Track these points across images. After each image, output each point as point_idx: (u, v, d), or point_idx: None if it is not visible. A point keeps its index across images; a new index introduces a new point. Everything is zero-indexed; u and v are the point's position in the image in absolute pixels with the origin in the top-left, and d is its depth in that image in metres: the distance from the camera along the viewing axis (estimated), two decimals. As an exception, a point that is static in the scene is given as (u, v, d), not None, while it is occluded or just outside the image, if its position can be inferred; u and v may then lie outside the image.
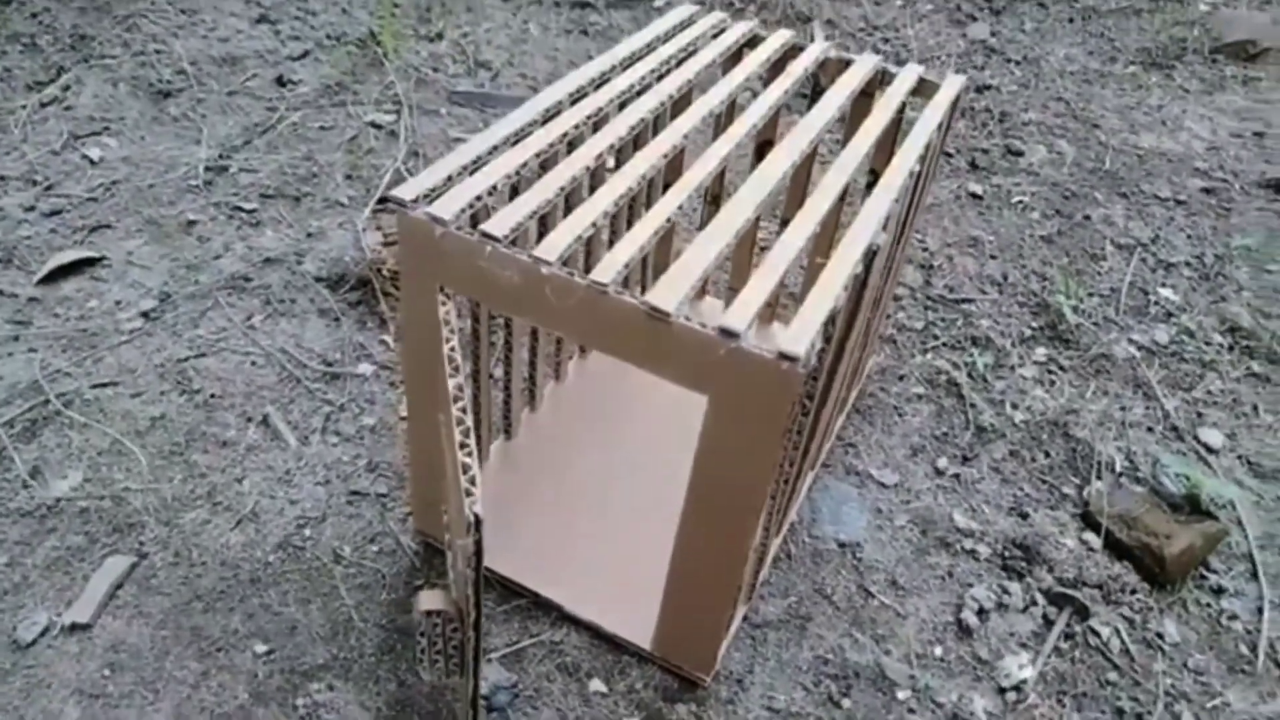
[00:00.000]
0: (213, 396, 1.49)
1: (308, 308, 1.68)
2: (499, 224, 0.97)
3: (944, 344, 1.76)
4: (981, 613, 1.32)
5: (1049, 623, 1.31)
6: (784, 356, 0.86)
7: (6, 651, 1.14)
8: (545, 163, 1.12)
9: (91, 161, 1.94)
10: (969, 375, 1.69)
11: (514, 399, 1.38)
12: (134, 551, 1.26)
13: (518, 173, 1.06)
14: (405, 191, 1.00)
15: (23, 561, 1.23)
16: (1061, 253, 2.01)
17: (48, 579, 1.22)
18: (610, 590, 1.23)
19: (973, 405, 1.63)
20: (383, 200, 1.92)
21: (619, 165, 1.17)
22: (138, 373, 1.51)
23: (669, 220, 1.02)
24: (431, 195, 1.01)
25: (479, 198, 1.01)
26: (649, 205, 1.55)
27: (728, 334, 0.88)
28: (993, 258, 1.99)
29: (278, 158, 2.02)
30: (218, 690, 1.13)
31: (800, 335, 0.88)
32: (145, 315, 1.62)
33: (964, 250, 1.99)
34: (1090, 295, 1.90)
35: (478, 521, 0.80)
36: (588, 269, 1.25)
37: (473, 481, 0.82)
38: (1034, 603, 1.33)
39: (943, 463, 1.52)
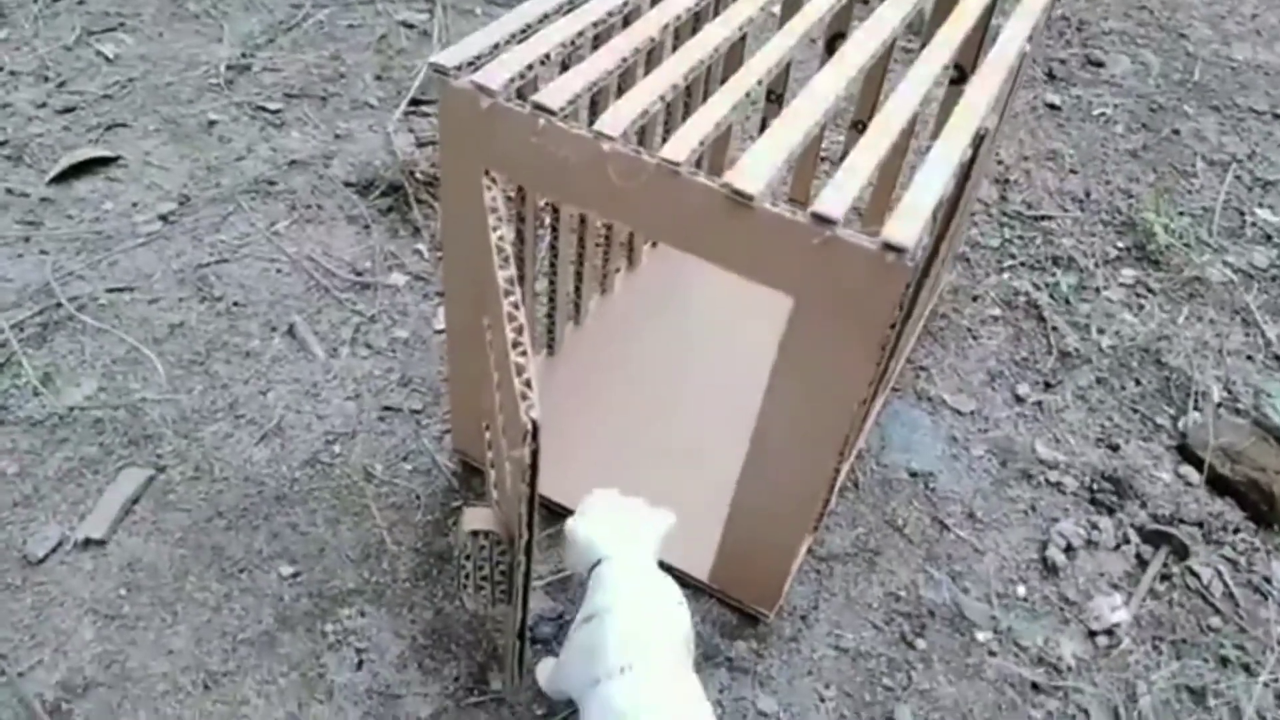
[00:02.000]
0: (235, 304, 1.38)
1: (336, 214, 1.56)
2: (553, 96, 0.85)
3: (1022, 263, 1.61)
4: (1069, 550, 1.20)
5: (1143, 562, 1.20)
6: (889, 247, 0.74)
7: (17, 567, 1.06)
8: (599, 36, 0.98)
9: (106, 58, 1.82)
10: (1050, 296, 1.55)
11: (558, 312, 1.27)
12: (151, 465, 1.17)
13: (572, 43, 0.93)
14: (447, 59, 0.87)
15: (33, 472, 1.15)
16: (1148, 168, 1.85)
17: (59, 491, 1.13)
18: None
19: (1055, 329, 1.49)
20: (415, 101, 1.79)
21: (675, 48, 1.03)
22: (155, 278, 1.41)
23: (736, 106, 0.88)
24: (477, 63, 0.88)
25: (530, 67, 0.88)
26: (705, 96, 1.40)
27: (822, 220, 0.75)
28: (1073, 172, 1.83)
29: (303, 57, 1.88)
30: (241, 614, 1.05)
31: (908, 224, 0.75)
32: (163, 218, 1.51)
33: (1042, 164, 1.83)
34: (1181, 214, 1.74)
35: (534, 429, 0.69)
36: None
37: (528, 384, 0.71)
38: (1126, 540, 1.22)
39: (1023, 389, 1.40)
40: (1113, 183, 1.80)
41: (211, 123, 1.71)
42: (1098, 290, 1.57)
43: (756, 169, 0.79)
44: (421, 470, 1.21)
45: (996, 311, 1.52)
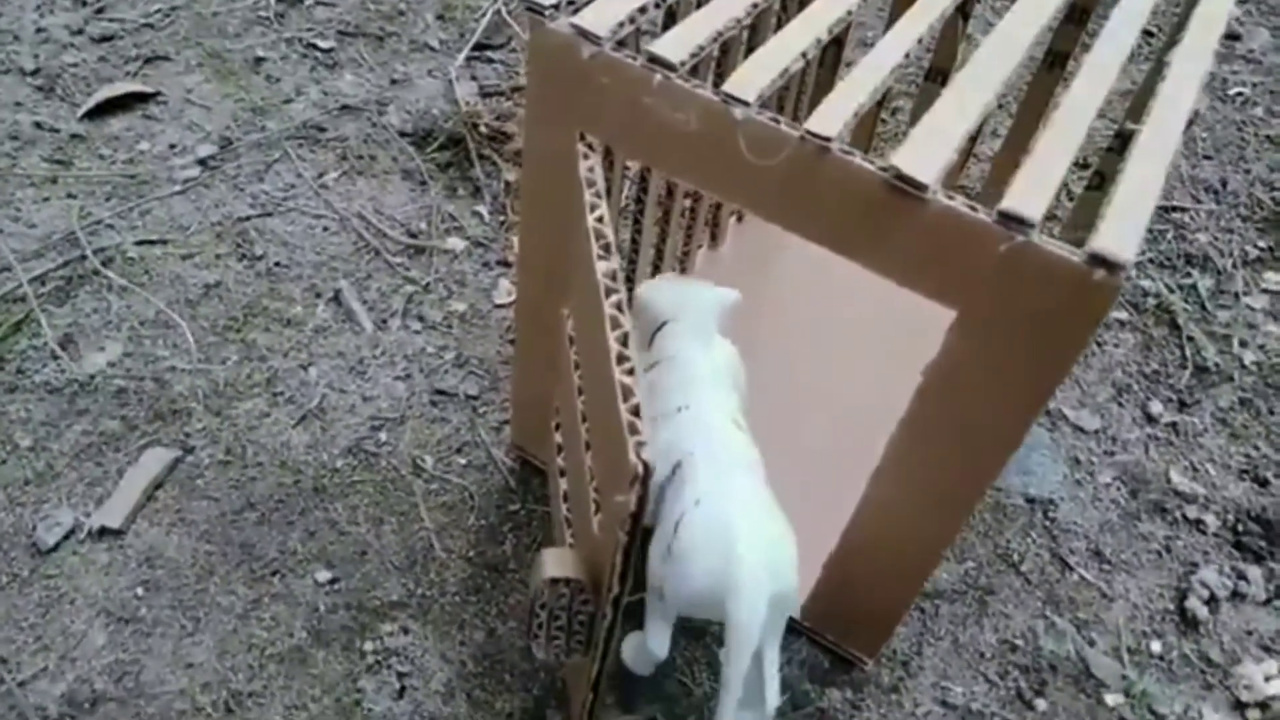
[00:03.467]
0: (277, 265, 1.25)
1: (389, 167, 1.42)
2: (673, 48, 0.69)
3: (1151, 260, 1.43)
4: (1211, 601, 1.04)
5: (1300, 622, 1.04)
6: (1099, 261, 0.58)
7: (25, 555, 0.95)
8: None
9: (149, -17, 1.68)
10: (1184, 301, 1.37)
11: (639, 263, 1.12)
12: (177, 444, 1.05)
13: None
14: None
15: (48, 446, 1.03)
16: (1292, 158, 1.65)
17: (76, 470, 1.01)
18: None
19: (1190, 339, 1.32)
20: (480, 46, 1.63)
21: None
22: (191, 230, 1.28)
23: (895, 70, 0.72)
24: (574, 5, 0.73)
25: (642, 10, 0.72)
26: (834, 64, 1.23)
27: (1014, 222, 0.59)
28: (1207, 159, 1.63)
29: (360, -9, 1.73)
30: (270, 624, 0.93)
31: (1123, 232, 0.59)
32: (202, 163, 1.37)
33: (1172, 148, 1.63)
34: (1332, 212, 1.54)
35: (646, 472, 0.54)
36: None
37: (636, 413, 0.57)
38: (1279, 594, 1.06)
39: (1155, 407, 1.23)
40: (1252, 172, 1.61)
41: (259, 60, 1.56)
42: (1237, 296, 1.39)
43: (925, 152, 0.63)
44: (476, 465, 1.07)
45: (1123, 315, 1.34)
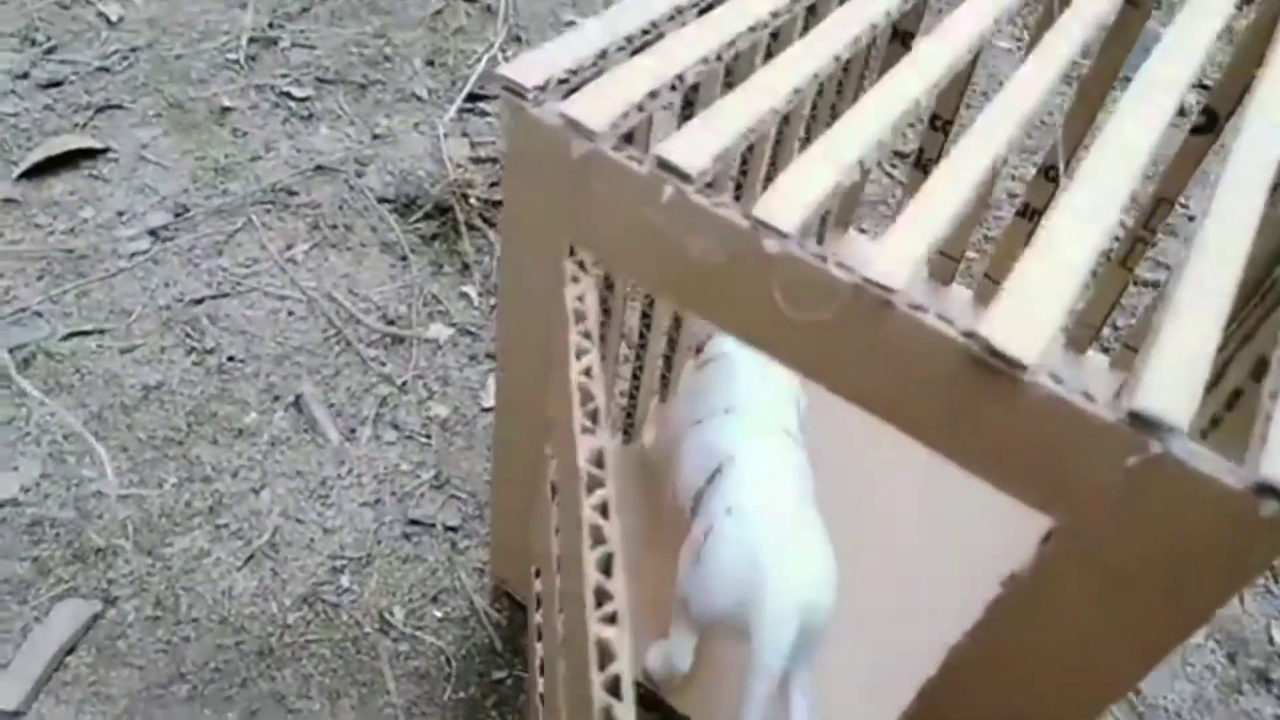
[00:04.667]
0: (230, 360, 1.08)
1: (367, 238, 1.25)
2: (688, 152, 0.52)
3: (1227, 357, 1.27)
4: (1329, 800, 0.88)
5: None
6: (1268, 491, 0.42)
7: (-103, 746, 0.78)
8: (733, 63, 0.65)
9: (108, 21, 1.51)
10: (1269, 408, 1.20)
11: (641, 389, 0.95)
12: (98, 593, 0.88)
13: (706, 62, 0.60)
14: (522, 73, 0.55)
15: (-61, 599, 0.86)
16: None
17: (-29, 629, 0.84)
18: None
19: None
20: (473, 97, 1.47)
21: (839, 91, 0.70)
22: (133, 317, 1.11)
23: (979, 188, 0.55)
24: (565, 86, 0.56)
25: (653, 96, 0.56)
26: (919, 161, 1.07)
27: (1146, 425, 0.43)
28: None
29: (342, 32, 1.57)
30: (196, 838, 0.76)
31: None
32: (153, 234, 1.21)
33: None
34: None
35: None
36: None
37: (615, 690, 0.40)
38: None
39: (1245, 542, 1.06)
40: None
41: (225, 109, 1.40)
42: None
43: (1026, 317, 0.46)
44: (455, 619, 0.90)
45: (1200, 424, 1.18)
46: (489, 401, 1.09)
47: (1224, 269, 0.50)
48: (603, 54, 0.58)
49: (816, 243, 0.57)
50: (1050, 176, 1.05)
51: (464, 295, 1.20)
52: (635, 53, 0.59)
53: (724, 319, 0.54)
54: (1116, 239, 1.07)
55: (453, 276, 1.22)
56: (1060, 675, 0.51)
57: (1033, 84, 0.61)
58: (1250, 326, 0.85)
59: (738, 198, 0.85)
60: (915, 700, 0.58)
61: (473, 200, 1.27)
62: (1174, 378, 0.44)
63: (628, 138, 0.55)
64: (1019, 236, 1.10)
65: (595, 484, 0.48)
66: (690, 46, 0.59)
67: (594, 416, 0.51)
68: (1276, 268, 0.84)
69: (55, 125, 1.33)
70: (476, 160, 1.35)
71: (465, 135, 1.41)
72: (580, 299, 0.56)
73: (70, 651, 0.84)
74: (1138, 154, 0.56)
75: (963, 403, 0.46)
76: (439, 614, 0.91)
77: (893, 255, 0.47)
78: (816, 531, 0.74)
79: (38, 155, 1.26)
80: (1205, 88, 1.21)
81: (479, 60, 1.54)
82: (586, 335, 0.54)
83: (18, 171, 1.24)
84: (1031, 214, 1.08)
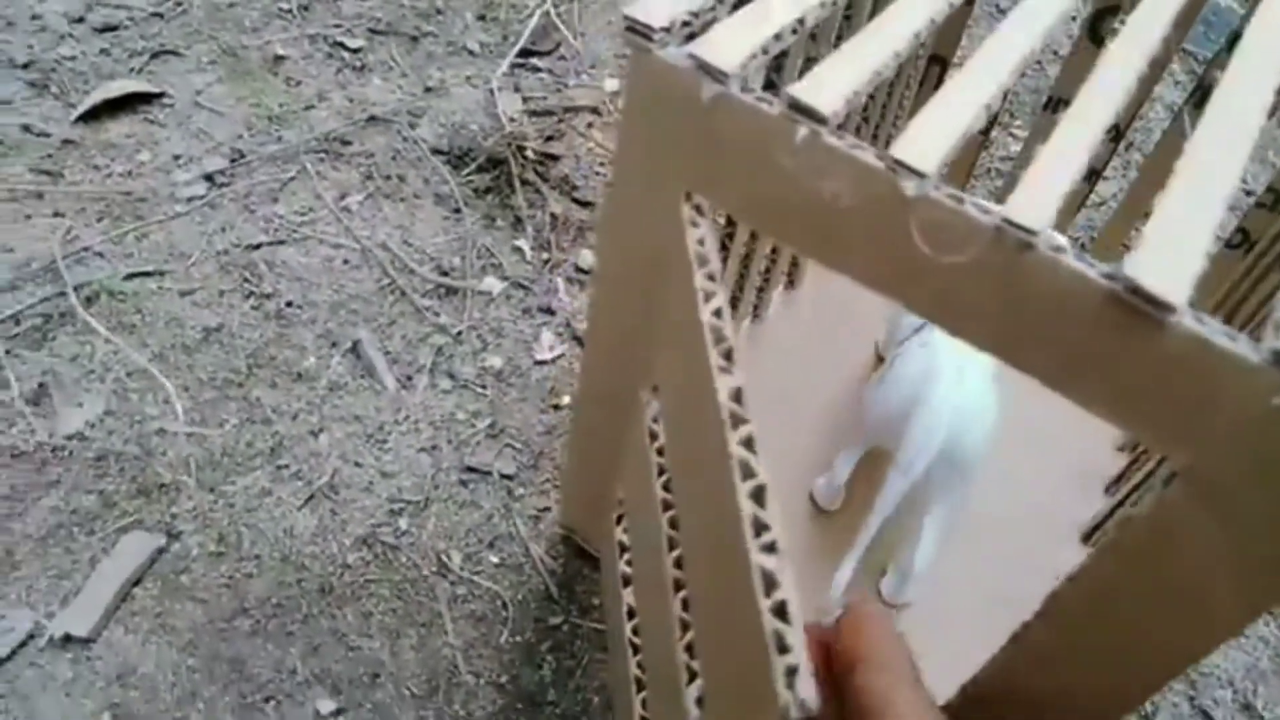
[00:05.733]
0: (288, 305, 1.09)
1: (420, 190, 1.25)
2: (822, 93, 0.51)
3: None
4: (1381, 774, 0.88)
5: None
6: None
7: (-28, 666, 0.79)
8: (849, 7, 0.65)
9: (161, -34, 1.51)
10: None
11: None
12: (162, 527, 0.89)
13: (833, 4, 0.59)
14: (648, 14, 0.54)
15: (8, 527, 0.87)
16: None
17: (40, 557, 0.86)
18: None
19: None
20: (525, 52, 1.46)
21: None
22: (192, 260, 1.12)
23: (1104, 129, 0.54)
24: (690, 30, 0.55)
25: (777, 37, 0.55)
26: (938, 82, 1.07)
27: None
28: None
29: (393, -17, 1.56)
30: (261, 766, 0.77)
31: None
32: (210, 179, 1.21)
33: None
34: None
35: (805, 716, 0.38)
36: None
37: (783, 614, 0.41)
38: None
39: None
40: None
41: (278, 58, 1.40)
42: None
43: (1170, 261, 0.45)
44: (510, 565, 0.91)
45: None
46: (542, 354, 1.09)
47: None
48: (717, 1, 0.57)
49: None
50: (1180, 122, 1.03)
51: (517, 249, 1.20)
52: (739, 3, 0.58)
53: (856, 265, 0.53)
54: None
55: (505, 230, 1.22)
56: (1169, 617, 0.51)
57: (1148, 23, 0.60)
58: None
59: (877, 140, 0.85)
60: (1010, 642, 0.58)
61: (527, 154, 1.27)
62: None
63: (767, 81, 0.54)
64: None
65: (739, 420, 0.48)
66: None
67: (729, 355, 0.51)
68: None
69: (111, 69, 1.33)
70: (531, 114, 1.34)
71: (518, 90, 1.40)
72: (701, 243, 0.56)
73: (137, 583, 0.85)
74: (1261, 94, 0.55)
75: (1103, 345, 0.46)
76: (495, 559, 0.91)
77: (1032, 197, 0.47)
78: (988, 389, 0.80)
79: (95, 98, 1.26)
80: None
81: (530, 16, 1.52)
82: (711, 277, 0.54)
83: (76, 114, 1.25)
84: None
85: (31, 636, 0.81)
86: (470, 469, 0.98)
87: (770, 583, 0.43)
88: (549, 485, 0.97)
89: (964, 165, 1.14)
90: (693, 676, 0.57)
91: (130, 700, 0.79)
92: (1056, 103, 1.04)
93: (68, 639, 0.81)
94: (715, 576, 0.51)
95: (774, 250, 1.03)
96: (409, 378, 1.05)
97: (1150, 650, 0.53)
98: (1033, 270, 0.46)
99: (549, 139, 1.31)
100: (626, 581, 0.77)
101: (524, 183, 1.26)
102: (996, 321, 0.49)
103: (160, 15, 1.43)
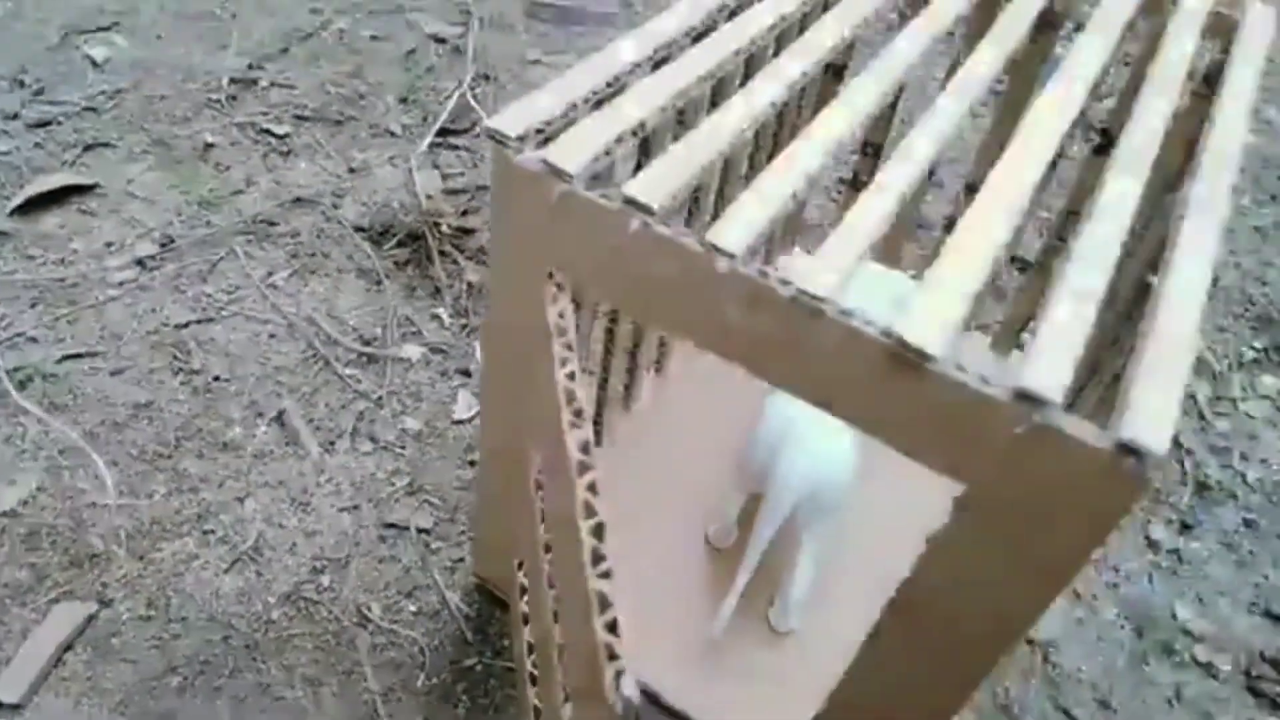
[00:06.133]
0: (216, 379, 1.15)
1: (344, 265, 1.33)
2: (650, 188, 0.61)
3: (1145, 364, 1.37)
4: (1229, 761, 0.96)
5: (1326, 785, 0.96)
6: (1126, 449, 0.50)
7: (-92, 736, 0.84)
8: (685, 110, 0.75)
9: (94, 63, 1.60)
10: (1183, 411, 1.30)
11: (607, 402, 1.03)
12: (93, 596, 0.94)
13: (664, 112, 0.69)
14: (507, 124, 0.64)
15: (-55, 603, 0.92)
16: (1281, 250, 1.60)
17: (-25, 630, 0.91)
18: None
19: (1190, 452, 1.25)
20: (444, 131, 1.56)
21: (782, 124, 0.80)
22: (124, 340, 1.18)
23: (899, 203, 0.65)
24: (544, 135, 0.65)
25: (618, 140, 0.65)
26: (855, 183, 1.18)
27: (1027, 400, 0.52)
28: (1196, 252, 1.58)
29: (318, 71, 1.65)
30: (189, 815, 0.82)
31: (1154, 419, 0.51)
32: (141, 264, 1.28)
33: (1160, 240, 1.59)
34: (1326, 309, 1.49)
35: (626, 709, 0.46)
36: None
37: (614, 630, 0.49)
38: (1301, 751, 0.98)
39: (1157, 531, 1.16)
40: (1242, 265, 1.56)
41: (208, 146, 1.48)
42: (1235, 403, 1.33)
43: (935, 316, 0.55)
44: (427, 613, 0.98)
45: (1119, 426, 1.28)
46: (460, 414, 1.17)
47: (1093, 271, 0.59)
48: (573, 106, 0.67)
49: (764, 262, 0.65)
50: (971, 191, 1.15)
51: (435, 317, 1.28)
52: (599, 104, 0.68)
53: (682, 329, 0.63)
54: (1024, 257, 1.16)
55: (425, 300, 1.31)
56: (977, 614, 0.60)
57: (953, 109, 0.71)
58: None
59: (689, 225, 0.94)
60: (866, 640, 0.67)
61: (443, 228, 1.36)
62: (1052, 355, 0.53)
63: (597, 177, 0.64)
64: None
65: (585, 468, 0.56)
66: (647, 97, 0.68)
67: (579, 414, 0.59)
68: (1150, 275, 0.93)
69: (45, 163, 1.40)
70: (447, 191, 1.44)
71: (436, 168, 1.50)
72: (561, 315, 0.65)
73: (68, 649, 0.90)
74: (1032, 170, 0.65)
75: (885, 390, 0.55)
76: (413, 608, 0.98)
77: (824, 268, 0.56)
78: (846, 433, 0.87)
79: (30, 191, 1.33)
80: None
81: (449, 98, 1.63)
82: (568, 346, 0.63)
83: (10, 207, 1.32)
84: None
85: (-34, 705, 0.86)
86: (389, 525, 1.04)
87: (604, 603, 0.51)
88: (464, 538, 1.04)
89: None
90: (560, 656, 0.64)
91: (62, 760, 0.84)
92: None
93: None
94: (570, 601, 0.59)
95: (661, 339, 1.12)
96: (331, 443, 1.11)
97: (966, 643, 0.62)
98: (825, 331, 0.56)
99: (464, 213, 1.40)
100: (525, 620, 0.84)
101: (442, 254, 1.35)
102: (803, 374, 0.59)
103: (94, 110, 1.51)
